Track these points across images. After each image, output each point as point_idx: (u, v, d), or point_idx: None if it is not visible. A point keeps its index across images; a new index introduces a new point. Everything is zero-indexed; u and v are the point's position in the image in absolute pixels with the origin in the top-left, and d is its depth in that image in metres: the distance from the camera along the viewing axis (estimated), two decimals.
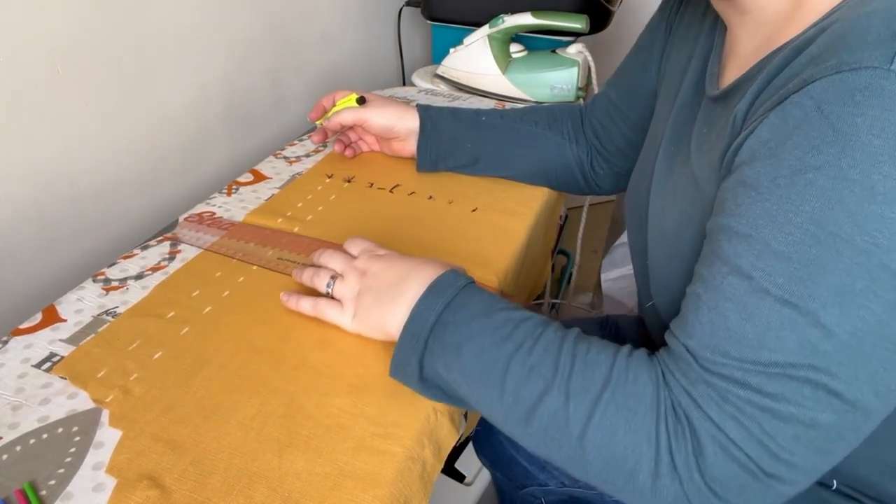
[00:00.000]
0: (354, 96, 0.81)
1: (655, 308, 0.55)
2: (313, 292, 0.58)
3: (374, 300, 0.53)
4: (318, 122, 0.85)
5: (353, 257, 0.58)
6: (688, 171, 0.49)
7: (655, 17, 0.67)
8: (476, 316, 0.47)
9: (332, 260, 0.58)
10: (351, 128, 0.85)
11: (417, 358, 0.48)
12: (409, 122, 0.80)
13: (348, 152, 0.86)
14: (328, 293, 0.57)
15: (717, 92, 0.49)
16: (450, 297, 0.49)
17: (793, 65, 0.39)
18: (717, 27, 0.54)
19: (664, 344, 0.43)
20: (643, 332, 0.53)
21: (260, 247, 0.69)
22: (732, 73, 0.49)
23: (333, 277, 0.57)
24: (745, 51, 0.48)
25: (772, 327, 0.36)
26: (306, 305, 0.57)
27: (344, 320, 0.55)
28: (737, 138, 0.41)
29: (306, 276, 0.59)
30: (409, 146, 0.81)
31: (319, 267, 0.59)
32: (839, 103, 0.34)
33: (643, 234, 0.57)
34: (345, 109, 0.80)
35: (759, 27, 0.46)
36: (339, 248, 0.61)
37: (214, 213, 0.75)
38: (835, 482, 0.50)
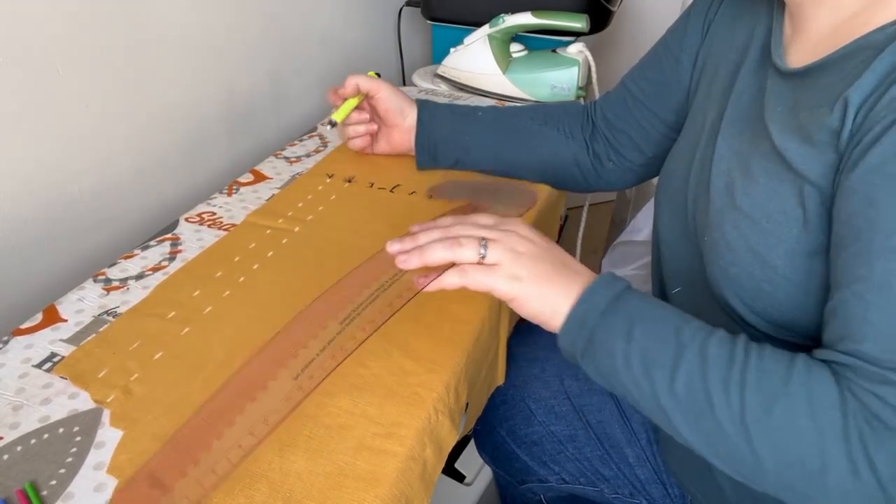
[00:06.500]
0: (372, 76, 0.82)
1: (685, 294, 0.56)
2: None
3: (553, 271, 0.49)
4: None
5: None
6: (765, 149, 0.49)
7: (692, 12, 0.67)
8: (646, 306, 0.47)
9: (470, 228, 0.51)
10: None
11: (581, 346, 0.47)
12: (413, 115, 0.81)
13: (360, 143, 0.86)
14: (481, 257, 0.49)
15: (796, 68, 0.49)
16: (619, 290, 0.47)
17: None
18: (773, 10, 0.54)
19: None
20: None
21: None
22: (801, 56, 0.49)
23: (481, 242, 0.49)
24: (821, 28, 0.48)
25: None
26: (453, 279, 0.49)
27: (510, 287, 0.48)
28: (854, 120, 0.41)
29: (438, 249, 0.49)
30: (409, 138, 0.82)
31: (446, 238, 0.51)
32: None
33: (684, 219, 0.58)
34: (363, 77, 0.81)
35: (834, 14, 0.46)
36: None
37: (215, 213, 0.75)
38: None
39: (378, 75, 0.82)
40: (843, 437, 0.37)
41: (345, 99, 0.80)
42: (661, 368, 0.43)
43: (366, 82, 0.80)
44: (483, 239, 0.49)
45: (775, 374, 0.40)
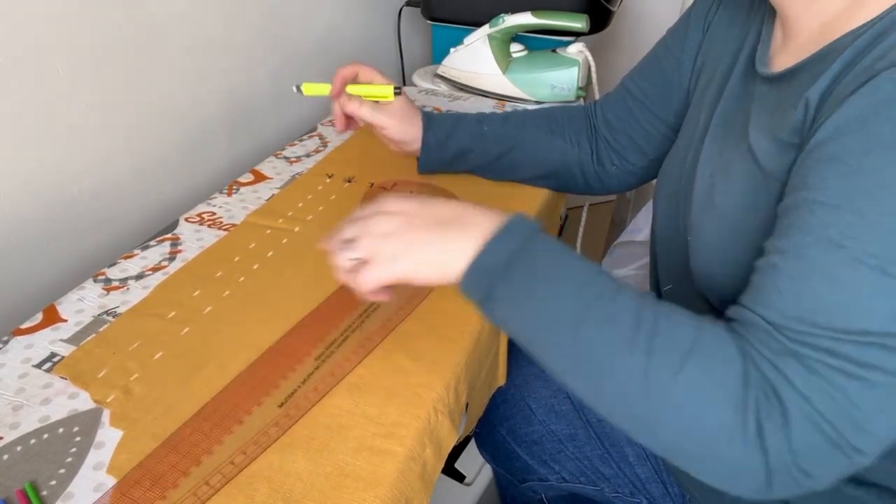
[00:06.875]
0: (391, 88, 0.73)
1: (676, 291, 0.57)
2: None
3: (436, 230, 0.46)
4: (304, 90, 0.75)
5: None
6: (743, 150, 0.50)
7: (692, 13, 0.67)
8: (551, 258, 0.45)
9: (341, 231, 0.49)
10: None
11: (482, 296, 0.45)
12: (418, 141, 0.78)
13: (340, 126, 0.79)
14: (353, 260, 0.48)
15: (775, 73, 0.50)
16: (525, 235, 0.45)
17: (880, 46, 0.40)
18: (765, 18, 0.55)
19: None
20: None
21: None
22: (788, 59, 0.50)
23: (347, 246, 0.48)
24: (801, 38, 0.48)
25: (864, 296, 0.36)
26: (360, 293, 0.48)
27: (392, 269, 0.46)
28: (813, 117, 0.42)
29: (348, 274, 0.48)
30: (414, 153, 0.81)
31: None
32: None
33: (677, 220, 0.58)
34: (368, 106, 0.74)
35: (821, 15, 0.47)
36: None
37: (215, 213, 0.75)
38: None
39: (398, 90, 0.74)
40: (741, 405, 0.38)
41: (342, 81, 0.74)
42: (561, 329, 0.42)
43: (370, 115, 0.74)
44: (349, 244, 0.48)
45: (684, 336, 0.40)
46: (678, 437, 0.40)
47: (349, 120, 0.77)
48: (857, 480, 0.50)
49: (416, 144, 0.79)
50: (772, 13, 0.54)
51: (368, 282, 0.47)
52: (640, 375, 0.40)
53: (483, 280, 0.45)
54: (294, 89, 0.75)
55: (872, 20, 0.42)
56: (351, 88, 0.74)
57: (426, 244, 0.46)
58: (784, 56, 0.51)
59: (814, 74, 0.45)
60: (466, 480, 0.98)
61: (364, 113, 0.74)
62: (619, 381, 0.41)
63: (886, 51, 0.39)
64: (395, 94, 0.73)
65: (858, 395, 0.36)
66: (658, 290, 0.66)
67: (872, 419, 0.36)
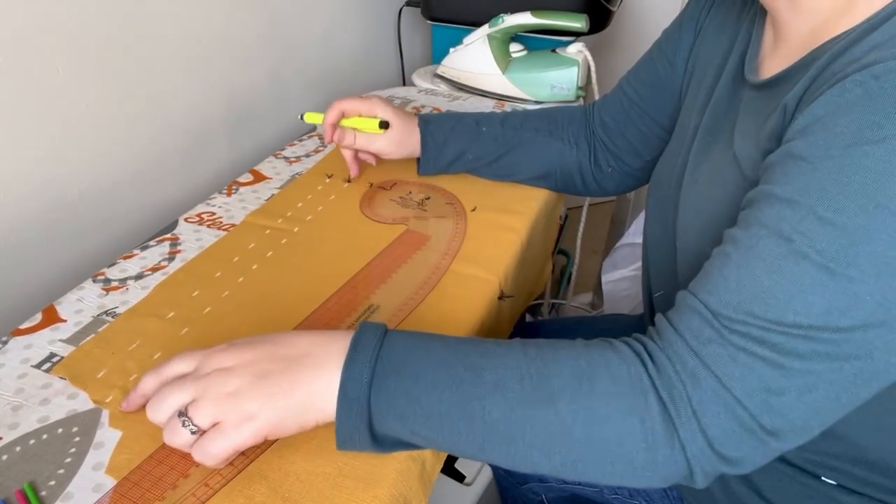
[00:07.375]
0: (376, 122, 0.75)
1: (666, 297, 0.57)
2: None
3: (286, 377, 0.42)
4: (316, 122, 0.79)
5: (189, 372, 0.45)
6: (729, 156, 0.50)
7: (685, 15, 0.67)
8: (411, 354, 0.43)
9: (168, 399, 0.43)
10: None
11: (365, 423, 0.42)
12: (416, 151, 0.79)
13: (354, 171, 0.83)
14: (195, 432, 0.42)
15: (763, 80, 0.50)
16: (376, 346, 0.43)
17: (852, 51, 0.40)
18: (755, 21, 0.55)
19: None
20: (643, 332, 0.55)
21: None
22: (778, 62, 0.50)
23: (182, 414, 0.42)
24: (792, 42, 0.49)
25: (803, 290, 0.37)
26: (210, 467, 0.44)
27: (251, 430, 0.41)
28: (789, 122, 0.42)
29: (168, 436, 0.43)
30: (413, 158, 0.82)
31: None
32: None
33: (667, 225, 0.58)
34: (362, 137, 0.76)
35: (811, 19, 0.47)
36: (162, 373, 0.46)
37: (214, 214, 0.75)
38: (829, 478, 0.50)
39: (385, 124, 0.75)
40: (643, 413, 0.39)
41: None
42: (455, 419, 0.41)
43: (364, 146, 0.77)
44: (184, 411, 0.42)
45: (566, 372, 0.41)
46: (601, 465, 0.40)
47: (358, 161, 0.81)
48: (850, 489, 0.50)
49: (416, 154, 0.80)
50: (762, 15, 0.54)
51: (224, 450, 0.41)
52: (548, 427, 0.40)
53: (357, 410, 0.42)
54: (300, 118, 0.80)
55: (856, 25, 0.42)
56: (344, 122, 0.77)
57: (284, 391, 0.42)
58: (775, 59, 0.51)
59: (795, 81, 0.45)
60: (466, 480, 0.98)
61: (359, 145, 0.77)
62: (529, 440, 0.41)
63: (858, 56, 0.39)
64: (381, 126, 0.75)
65: (777, 382, 0.37)
66: (650, 295, 0.66)
67: (790, 404, 0.38)
